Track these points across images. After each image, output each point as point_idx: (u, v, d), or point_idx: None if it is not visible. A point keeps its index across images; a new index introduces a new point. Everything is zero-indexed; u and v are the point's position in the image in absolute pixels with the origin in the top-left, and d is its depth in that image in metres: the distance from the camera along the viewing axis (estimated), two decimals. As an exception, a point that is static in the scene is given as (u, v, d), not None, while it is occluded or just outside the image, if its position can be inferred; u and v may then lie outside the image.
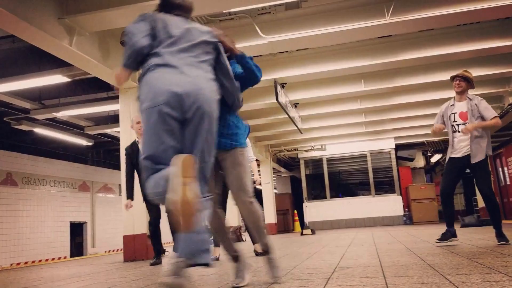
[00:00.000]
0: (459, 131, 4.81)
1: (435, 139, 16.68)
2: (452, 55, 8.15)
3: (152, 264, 5.42)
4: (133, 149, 5.61)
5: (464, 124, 4.77)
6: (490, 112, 4.69)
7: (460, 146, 4.80)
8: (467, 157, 4.71)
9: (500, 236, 4.57)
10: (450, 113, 4.95)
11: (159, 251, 5.70)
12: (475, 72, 9.19)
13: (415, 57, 8.15)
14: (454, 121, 4.88)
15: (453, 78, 5.01)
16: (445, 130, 5.06)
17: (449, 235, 4.84)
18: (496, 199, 4.82)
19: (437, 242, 4.88)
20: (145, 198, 5.48)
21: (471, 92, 5.03)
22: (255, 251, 5.39)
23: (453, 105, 5.00)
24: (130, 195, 5.52)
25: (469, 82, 4.92)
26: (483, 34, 7.87)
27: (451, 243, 4.87)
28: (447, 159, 4.97)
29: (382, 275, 2.75)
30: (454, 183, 4.88)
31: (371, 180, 16.53)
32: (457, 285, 2.21)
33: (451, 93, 10.70)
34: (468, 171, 4.89)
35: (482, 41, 7.88)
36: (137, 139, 5.65)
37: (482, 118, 4.71)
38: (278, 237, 11.57)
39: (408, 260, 3.52)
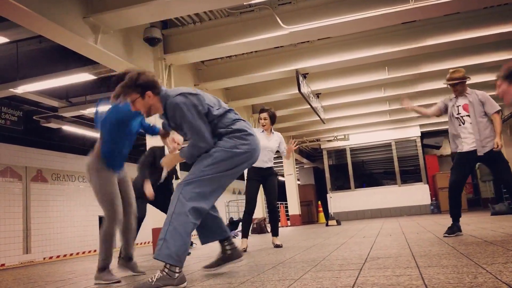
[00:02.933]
0: (464, 123, 4.79)
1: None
2: (478, 39, 7.96)
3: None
4: (160, 155, 5.58)
5: (468, 115, 4.76)
6: (492, 108, 4.67)
7: (469, 139, 4.74)
8: (475, 151, 4.67)
9: None
10: (454, 105, 4.91)
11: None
12: (503, 56, 8.99)
13: (440, 42, 8.00)
14: (459, 113, 4.85)
15: (451, 85, 4.97)
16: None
17: (456, 229, 4.76)
18: None
19: (445, 236, 4.74)
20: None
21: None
22: (273, 243, 5.56)
23: (455, 97, 4.95)
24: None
25: (462, 81, 4.90)
26: (510, 16, 7.65)
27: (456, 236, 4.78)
28: (455, 153, 4.94)
29: (415, 265, 2.72)
30: (464, 177, 4.83)
31: (397, 169, 16.34)
32: (494, 274, 2.17)
33: (477, 78, 10.55)
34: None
35: (509, 23, 7.66)
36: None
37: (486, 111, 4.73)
38: (303, 228, 11.57)
39: (440, 250, 3.48)
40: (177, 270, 2.68)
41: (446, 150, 18.99)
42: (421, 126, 15.98)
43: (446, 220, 8.51)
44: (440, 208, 14.88)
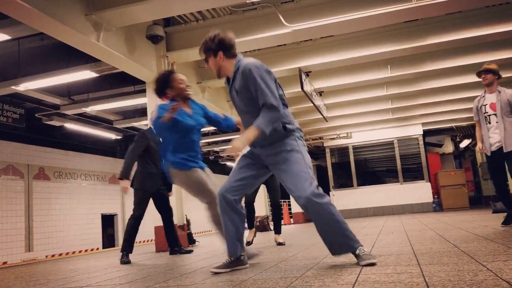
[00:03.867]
0: (490, 122, 4.93)
1: (464, 124, 16.34)
2: (482, 37, 7.93)
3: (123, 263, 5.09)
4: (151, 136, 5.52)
5: (495, 114, 4.89)
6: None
7: (493, 139, 4.89)
8: (501, 149, 4.82)
9: None
10: (481, 104, 5.07)
11: (174, 243, 5.72)
12: (506, 55, 8.97)
13: (442, 40, 7.98)
14: (485, 112, 4.98)
15: (478, 74, 5.16)
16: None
17: None
18: None
19: (502, 226, 5.04)
20: (142, 188, 5.47)
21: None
22: (275, 241, 5.63)
23: (484, 96, 5.11)
24: (127, 175, 5.27)
25: (494, 73, 5.01)
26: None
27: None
28: (485, 155, 5.15)
29: (416, 263, 2.73)
30: (504, 178, 5.04)
31: (399, 167, 16.33)
32: (495, 272, 2.18)
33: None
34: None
35: (511, 22, 7.63)
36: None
37: None
38: (306, 226, 11.58)
39: (442, 247, 3.48)
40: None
41: (448, 148, 18.99)
42: (423, 124, 15.96)
43: (448, 218, 8.52)
44: (442, 206, 14.88)
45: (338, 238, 2.94)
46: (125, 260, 5.09)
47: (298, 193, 2.91)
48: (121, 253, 5.23)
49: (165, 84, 3.97)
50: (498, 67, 5.10)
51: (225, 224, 3.18)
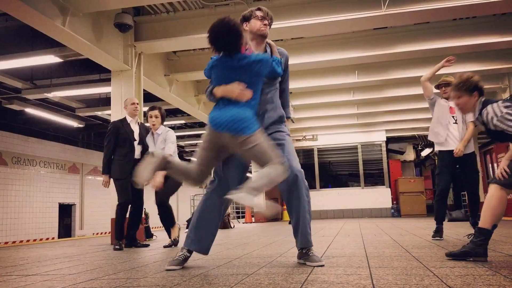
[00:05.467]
0: (455, 123, 4.95)
1: (426, 133, 16.74)
2: (447, 49, 8.15)
3: (117, 249, 5.25)
4: (123, 125, 5.58)
5: (453, 116, 4.96)
6: (469, 116, 4.78)
7: (452, 140, 4.89)
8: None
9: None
10: (445, 104, 5.05)
11: (132, 236, 5.65)
12: (470, 67, 9.24)
13: (409, 50, 8.17)
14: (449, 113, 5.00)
15: (437, 86, 5.23)
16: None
17: (442, 231, 4.85)
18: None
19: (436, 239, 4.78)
20: (117, 177, 5.45)
21: None
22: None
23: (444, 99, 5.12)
24: (108, 171, 5.46)
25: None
26: (479, 29, 7.89)
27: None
28: (437, 152, 5.04)
29: (367, 266, 2.77)
30: (451, 179, 4.96)
31: (361, 171, 16.60)
32: (440, 278, 2.24)
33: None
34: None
35: (477, 36, 7.90)
36: (127, 118, 5.65)
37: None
38: (267, 225, 11.63)
39: (394, 252, 3.55)
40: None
41: (410, 156, 19.46)
42: (387, 131, 16.30)
43: (404, 224, 8.72)
44: (400, 212, 15.22)
45: (306, 230, 2.99)
46: (117, 247, 5.23)
47: (294, 164, 2.95)
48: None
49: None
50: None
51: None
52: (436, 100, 5.12)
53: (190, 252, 3.11)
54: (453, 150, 4.81)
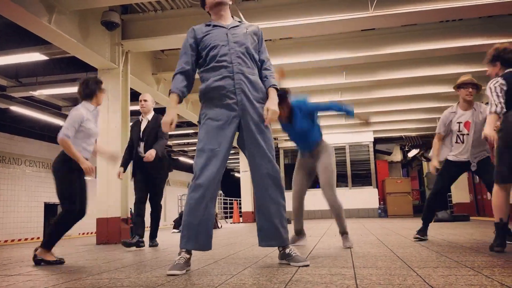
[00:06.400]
0: (463, 142, 4.54)
1: (413, 134, 16.89)
2: (434, 51, 8.21)
3: (127, 245, 5.16)
4: (135, 124, 5.62)
5: (468, 134, 4.50)
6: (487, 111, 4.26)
7: (460, 155, 4.56)
8: (467, 163, 4.53)
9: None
10: (455, 121, 4.61)
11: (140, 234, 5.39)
12: (456, 69, 9.33)
13: (397, 51, 8.20)
14: (459, 131, 4.57)
15: (462, 85, 4.56)
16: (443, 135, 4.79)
17: (427, 232, 4.80)
18: None
19: (416, 239, 4.76)
20: (132, 175, 5.55)
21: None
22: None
23: (455, 112, 4.66)
24: (123, 164, 5.49)
25: (478, 90, 4.58)
26: (465, 31, 7.95)
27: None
28: (442, 158, 4.74)
29: (351, 265, 2.78)
30: (449, 185, 4.80)
31: (349, 172, 16.67)
32: (423, 278, 2.25)
33: (432, 89, 10.92)
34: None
35: (464, 38, 7.95)
36: (141, 117, 5.63)
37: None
38: (255, 226, 11.61)
39: (379, 252, 3.57)
40: None
41: (397, 156, 19.59)
42: (374, 132, 16.37)
43: (391, 224, 8.77)
44: (387, 212, 15.31)
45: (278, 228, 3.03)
46: (133, 242, 5.20)
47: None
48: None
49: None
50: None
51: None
52: (448, 128, 4.71)
53: (189, 252, 2.89)
54: (461, 161, 4.54)
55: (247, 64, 3.03)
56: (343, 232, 4.32)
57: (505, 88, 3.40)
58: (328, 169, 4.22)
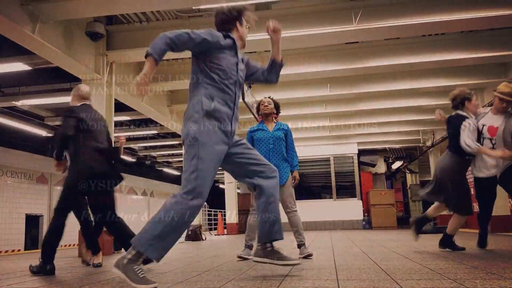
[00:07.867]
0: (482, 144, 4.40)
1: (397, 146, 17.05)
2: (417, 65, 8.35)
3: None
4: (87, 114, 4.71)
5: (490, 139, 4.39)
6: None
7: (486, 164, 4.43)
8: (494, 177, 4.46)
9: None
10: (480, 123, 4.50)
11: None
12: (439, 83, 9.49)
13: (381, 64, 8.32)
14: (481, 134, 4.48)
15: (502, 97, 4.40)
16: None
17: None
18: None
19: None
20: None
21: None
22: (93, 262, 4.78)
23: (485, 113, 4.57)
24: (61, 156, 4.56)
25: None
26: (447, 45, 8.10)
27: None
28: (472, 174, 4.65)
29: (335, 278, 2.78)
30: (492, 202, 4.68)
31: (333, 183, 16.71)
32: (406, 290, 2.26)
33: (414, 102, 11.07)
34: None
35: (446, 52, 8.11)
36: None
37: None
38: (239, 237, 11.56)
39: (363, 264, 3.58)
40: None
41: (381, 168, 19.74)
42: (358, 143, 16.50)
43: (375, 236, 8.80)
44: (372, 224, 15.37)
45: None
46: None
47: None
48: None
49: None
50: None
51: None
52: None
53: (146, 261, 2.77)
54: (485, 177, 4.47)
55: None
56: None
57: None
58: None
